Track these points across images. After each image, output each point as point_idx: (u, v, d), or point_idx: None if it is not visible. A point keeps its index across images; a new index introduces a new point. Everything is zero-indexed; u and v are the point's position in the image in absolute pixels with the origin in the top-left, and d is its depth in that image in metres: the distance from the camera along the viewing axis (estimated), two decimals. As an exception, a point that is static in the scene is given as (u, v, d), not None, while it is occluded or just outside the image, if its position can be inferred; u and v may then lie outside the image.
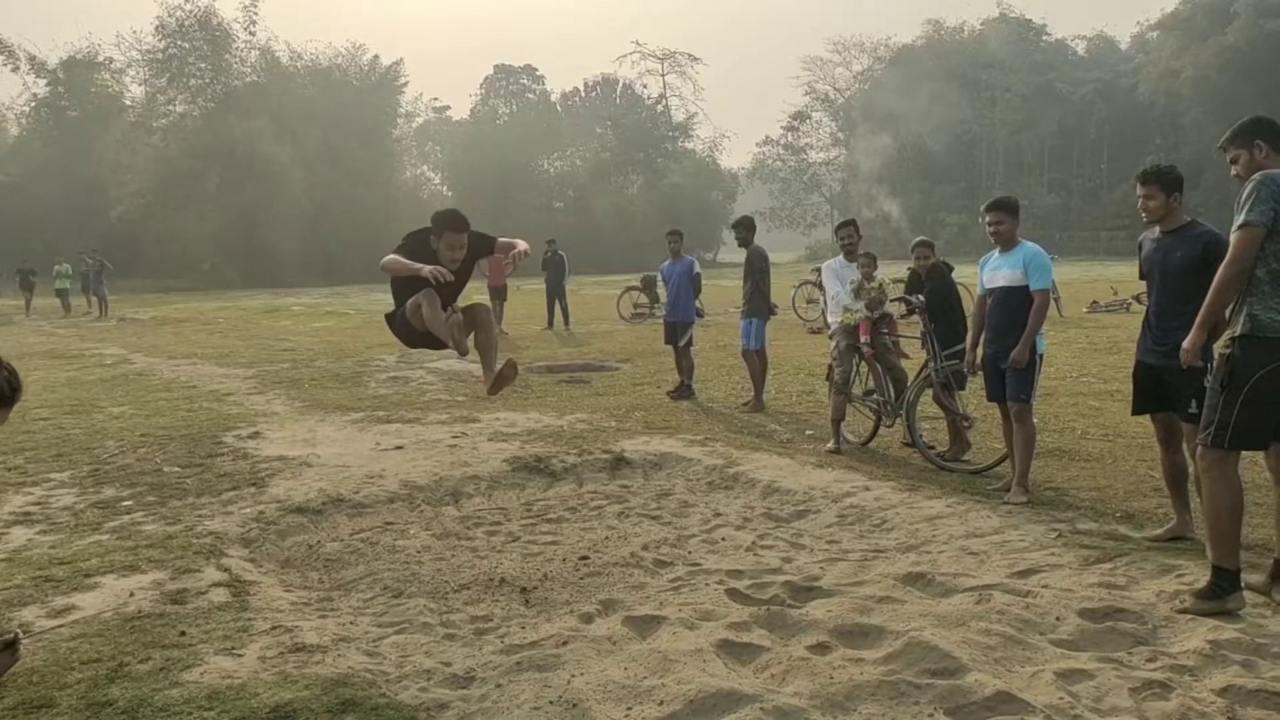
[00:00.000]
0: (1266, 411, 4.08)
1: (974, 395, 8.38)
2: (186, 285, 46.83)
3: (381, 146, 61.74)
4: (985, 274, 6.49)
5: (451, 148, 72.43)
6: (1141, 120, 66.16)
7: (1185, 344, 4.28)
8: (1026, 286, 6.19)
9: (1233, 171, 4.28)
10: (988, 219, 6.44)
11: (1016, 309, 6.20)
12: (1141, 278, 5.34)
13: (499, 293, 19.60)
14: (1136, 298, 18.59)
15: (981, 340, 6.51)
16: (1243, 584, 4.22)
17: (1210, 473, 4.19)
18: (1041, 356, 6.27)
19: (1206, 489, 4.25)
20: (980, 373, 6.61)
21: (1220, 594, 4.09)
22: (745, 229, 10.53)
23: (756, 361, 10.18)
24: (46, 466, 7.57)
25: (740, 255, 10.70)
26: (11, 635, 3.73)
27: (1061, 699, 3.32)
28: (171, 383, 12.72)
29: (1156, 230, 5.14)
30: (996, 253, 6.45)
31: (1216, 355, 4.26)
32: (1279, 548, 4.26)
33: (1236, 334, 4.09)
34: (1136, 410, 5.34)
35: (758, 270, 10.21)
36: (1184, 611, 4.09)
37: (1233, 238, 4.06)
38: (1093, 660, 3.67)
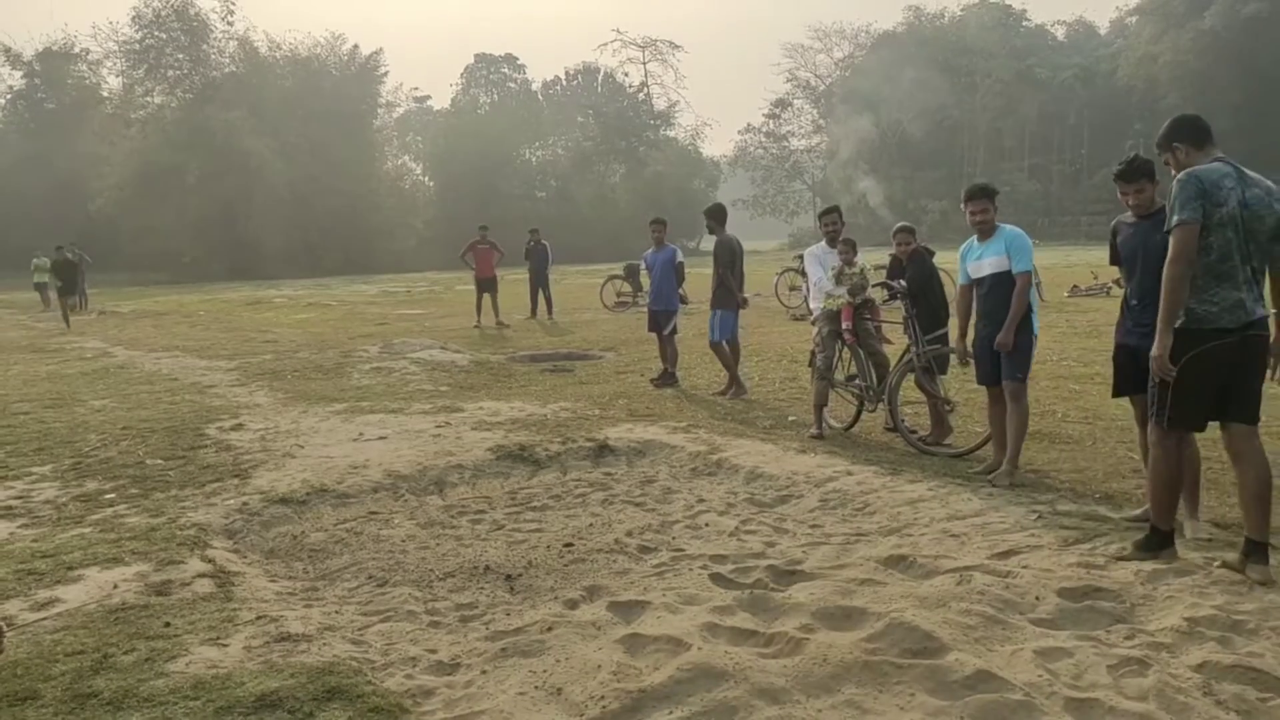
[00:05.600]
0: (1195, 396, 4.36)
1: (955, 380, 8.44)
2: (167, 278, 46.59)
3: (362, 137, 61.41)
4: (969, 265, 6.47)
5: (433, 138, 72.24)
6: (1121, 105, 66.51)
7: (1154, 351, 4.36)
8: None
9: (1170, 172, 4.55)
10: (971, 208, 6.38)
11: (1008, 293, 6.21)
12: (1113, 263, 5.39)
13: (488, 284, 19.03)
14: (1116, 281, 18.71)
15: (971, 326, 6.53)
16: (1219, 561, 4.38)
17: (1155, 448, 4.54)
18: (1035, 336, 6.32)
19: (1150, 460, 4.63)
20: (972, 361, 6.65)
21: (1154, 547, 4.53)
22: (713, 217, 10.46)
23: (724, 351, 10.20)
24: (28, 460, 7.53)
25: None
26: (-5, 628, 3.72)
27: (1041, 676, 3.37)
28: (153, 375, 12.65)
29: (1130, 215, 5.19)
30: (975, 241, 6.46)
31: None
32: (1247, 525, 4.36)
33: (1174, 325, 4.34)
34: (1117, 392, 5.40)
35: (723, 262, 10.20)
36: (1122, 559, 4.52)
37: (1171, 238, 4.29)
38: (1071, 638, 3.72)
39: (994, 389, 6.43)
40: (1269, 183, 4.39)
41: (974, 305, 6.52)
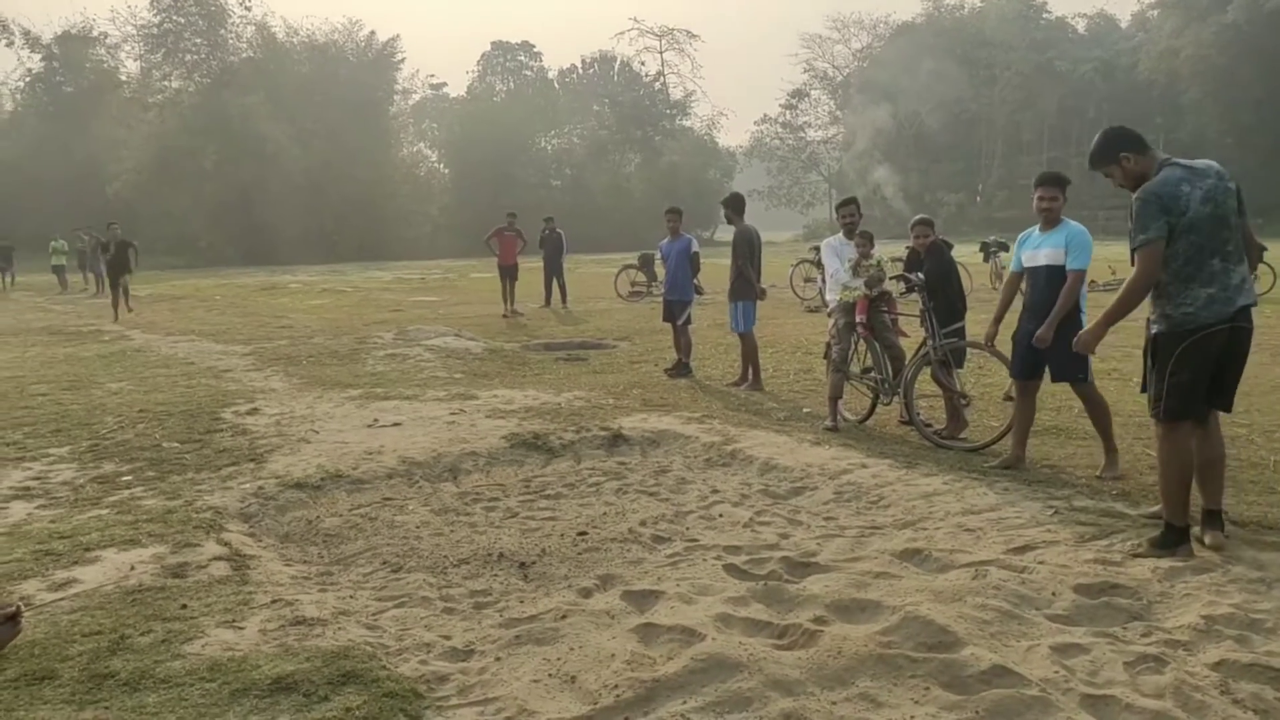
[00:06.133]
0: (1190, 389, 4.49)
1: (971, 374, 8.40)
2: (183, 263, 46.76)
3: (378, 124, 61.40)
4: (1024, 252, 6.37)
5: (448, 125, 72.16)
6: (1141, 100, 65.90)
7: (1084, 334, 4.76)
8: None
9: (1115, 184, 4.71)
10: (1041, 193, 6.25)
11: (1058, 288, 6.13)
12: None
13: (509, 271, 18.93)
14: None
15: (1011, 318, 6.50)
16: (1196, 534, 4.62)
17: (1162, 442, 4.64)
18: None
19: (1160, 456, 4.69)
20: (991, 346, 6.64)
21: (1170, 544, 4.54)
22: (731, 207, 10.41)
23: (753, 341, 10.19)
24: (45, 442, 7.58)
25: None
26: (13, 608, 3.74)
27: (1057, 672, 3.35)
28: (169, 359, 12.72)
29: None
30: (1036, 230, 6.36)
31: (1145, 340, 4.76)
32: (1204, 497, 4.69)
33: (1154, 332, 4.60)
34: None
35: (742, 253, 10.17)
36: (1138, 555, 4.52)
37: (1137, 256, 4.44)
38: (1088, 635, 3.70)
39: (1027, 383, 6.38)
40: (1215, 165, 4.54)
41: (1023, 295, 6.47)
